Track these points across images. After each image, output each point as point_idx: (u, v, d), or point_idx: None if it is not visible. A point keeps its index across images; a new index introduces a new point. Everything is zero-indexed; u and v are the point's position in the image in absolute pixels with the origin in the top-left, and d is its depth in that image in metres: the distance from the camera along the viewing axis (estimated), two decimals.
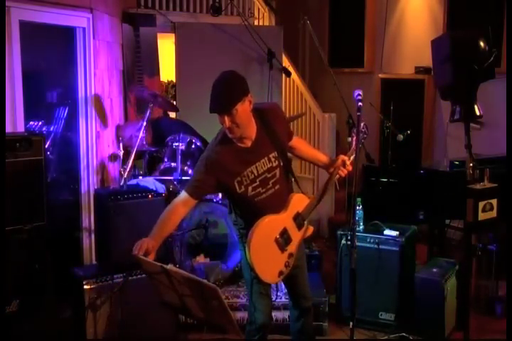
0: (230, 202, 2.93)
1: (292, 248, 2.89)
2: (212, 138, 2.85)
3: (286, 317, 3.99)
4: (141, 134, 4.18)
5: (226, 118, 2.61)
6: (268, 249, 2.79)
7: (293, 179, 3.04)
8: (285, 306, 4.06)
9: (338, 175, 3.00)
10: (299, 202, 2.95)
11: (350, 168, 2.99)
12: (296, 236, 2.91)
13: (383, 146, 6.35)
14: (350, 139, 3.02)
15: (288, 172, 2.94)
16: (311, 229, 3.00)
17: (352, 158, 2.99)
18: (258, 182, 2.79)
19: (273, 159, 2.84)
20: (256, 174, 2.79)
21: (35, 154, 3.22)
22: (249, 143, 2.78)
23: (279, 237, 2.82)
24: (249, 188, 2.77)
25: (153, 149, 4.66)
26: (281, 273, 2.85)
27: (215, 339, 3.43)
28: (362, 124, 2.99)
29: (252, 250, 2.72)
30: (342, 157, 3.00)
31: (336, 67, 6.55)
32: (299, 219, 2.90)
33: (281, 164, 2.86)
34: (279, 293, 4.22)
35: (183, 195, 2.79)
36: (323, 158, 3.14)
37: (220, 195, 4.41)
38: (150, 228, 3.42)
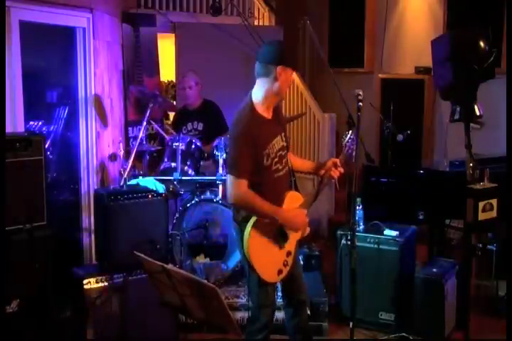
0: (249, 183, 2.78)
1: (290, 246, 2.91)
2: (236, 115, 2.86)
3: None
4: (141, 134, 4.18)
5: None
6: (266, 245, 2.80)
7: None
8: None
9: (330, 177, 3.01)
10: (293, 199, 2.96)
11: (341, 169, 3.01)
12: (293, 234, 2.92)
13: (383, 146, 6.36)
14: (343, 141, 3.03)
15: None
16: (307, 229, 2.99)
17: (341, 157, 3.03)
18: (278, 158, 2.85)
19: (284, 138, 2.92)
20: (276, 148, 2.85)
21: (35, 154, 3.22)
22: (270, 116, 2.86)
23: (277, 234, 2.83)
24: (273, 162, 2.82)
25: (153, 149, 4.66)
26: (280, 271, 2.87)
27: (215, 339, 3.43)
28: (351, 133, 3.05)
29: (251, 246, 2.74)
30: (332, 159, 3.04)
31: (335, 67, 6.55)
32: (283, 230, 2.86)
33: (288, 147, 2.96)
34: (278, 293, 4.22)
35: (243, 182, 2.71)
36: (310, 163, 3.21)
37: (220, 194, 4.41)
38: (150, 228, 3.44)
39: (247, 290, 3.10)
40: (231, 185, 2.74)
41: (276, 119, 2.91)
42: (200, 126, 5.00)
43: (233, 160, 2.78)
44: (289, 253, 2.90)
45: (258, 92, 2.85)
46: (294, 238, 2.93)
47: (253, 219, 2.76)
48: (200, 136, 4.89)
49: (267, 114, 2.85)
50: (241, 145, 2.74)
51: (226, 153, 4.47)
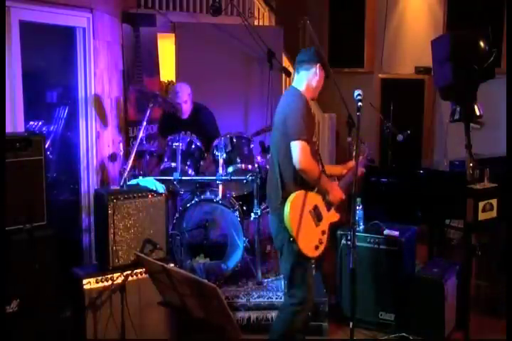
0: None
1: (324, 226, 3.20)
2: (289, 97, 3.26)
3: None
4: (140, 134, 4.18)
5: None
6: (304, 220, 3.08)
7: None
8: None
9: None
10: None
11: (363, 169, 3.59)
12: (326, 215, 3.23)
13: (383, 146, 6.36)
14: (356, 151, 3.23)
15: None
16: (337, 215, 3.28)
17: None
18: (316, 147, 3.27)
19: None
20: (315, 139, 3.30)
21: (35, 154, 3.22)
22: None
23: (312, 210, 3.14)
24: (316, 144, 3.25)
25: (153, 149, 4.65)
26: (316, 247, 3.13)
27: (215, 339, 3.43)
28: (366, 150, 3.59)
29: (292, 219, 3.02)
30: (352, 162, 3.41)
31: (335, 67, 6.53)
32: (327, 201, 3.21)
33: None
34: (278, 293, 4.23)
35: (308, 147, 3.04)
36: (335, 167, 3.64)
37: (220, 194, 4.41)
38: (150, 228, 3.45)
39: (284, 269, 3.29)
40: (300, 151, 3.01)
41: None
42: (195, 137, 4.92)
43: (299, 128, 3.06)
44: (323, 232, 3.18)
45: (300, 85, 3.28)
46: (327, 219, 3.23)
47: (291, 196, 3.07)
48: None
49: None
50: (305, 115, 3.10)
51: (226, 153, 4.47)
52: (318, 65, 3.25)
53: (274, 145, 3.27)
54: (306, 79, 3.27)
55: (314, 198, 3.17)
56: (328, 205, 3.25)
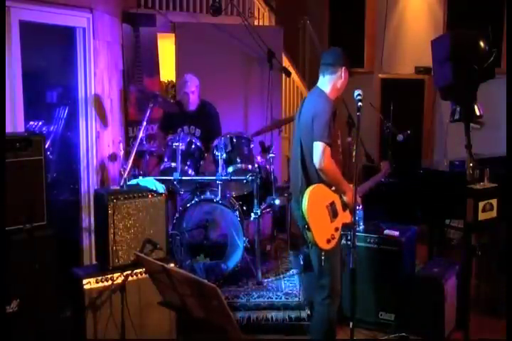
0: None
1: (338, 223, 3.28)
2: (315, 99, 3.37)
3: (286, 317, 4.00)
4: (140, 134, 4.18)
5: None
6: (321, 210, 3.21)
7: None
8: (285, 306, 4.07)
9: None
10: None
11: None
12: (342, 214, 3.31)
13: (383, 146, 6.36)
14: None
15: None
16: (350, 217, 3.31)
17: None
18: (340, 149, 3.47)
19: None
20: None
21: (35, 154, 3.22)
22: None
23: (329, 205, 3.25)
24: (339, 145, 3.43)
25: (153, 149, 4.65)
26: (328, 241, 3.21)
27: (215, 339, 3.43)
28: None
29: (309, 208, 3.13)
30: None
31: None
32: (343, 201, 3.31)
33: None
34: (278, 293, 4.23)
35: (329, 149, 3.16)
36: None
37: (220, 194, 4.41)
38: (150, 228, 3.45)
39: (313, 260, 3.41)
40: (322, 152, 3.15)
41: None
42: (198, 132, 4.93)
43: (324, 130, 3.19)
44: (337, 229, 3.26)
45: (325, 87, 3.40)
46: (341, 217, 3.32)
47: (312, 186, 3.20)
48: None
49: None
50: (329, 118, 3.21)
51: (226, 153, 4.47)
52: (343, 69, 3.37)
53: (303, 138, 3.35)
54: (331, 81, 3.39)
55: (332, 195, 3.30)
56: (344, 205, 3.34)
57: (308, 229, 3.16)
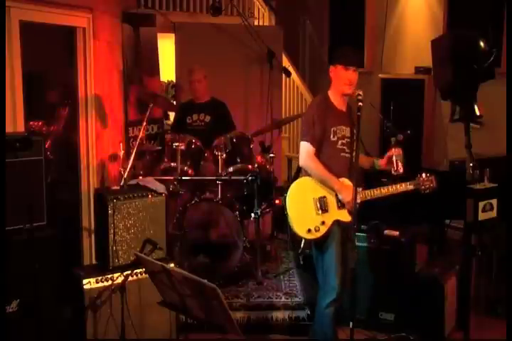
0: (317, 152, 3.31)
1: (327, 218, 3.26)
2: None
3: (286, 317, 4.00)
4: (140, 134, 4.18)
5: (355, 73, 3.29)
6: (304, 200, 3.26)
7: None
8: (285, 306, 4.07)
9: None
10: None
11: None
12: (334, 211, 3.28)
13: (383, 146, 6.35)
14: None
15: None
16: (348, 217, 3.29)
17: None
18: (345, 141, 3.35)
19: (350, 131, 3.38)
20: (346, 134, 3.36)
21: (35, 154, 3.22)
22: (344, 109, 3.40)
23: (317, 198, 3.26)
24: (339, 142, 3.33)
25: (153, 149, 4.66)
26: (309, 230, 3.22)
27: (215, 339, 3.43)
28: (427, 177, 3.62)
29: (292, 192, 3.26)
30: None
31: None
32: (339, 199, 3.28)
33: (354, 140, 3.36)
34: (278, 293, 4.23)
35: (310, 148, 3.25)
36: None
37: (220, 194, 4.41)
38: (150, 228, 3.44)
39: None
40: (302, 150, 3.29)
41: (348, 114, 3.43)
42: (208, 119, 4.94)
43: (306, 129, 3.31)
44: (323, 223, 3.25)
45: (331, 88, 3.44)
46: (334, 214, 3.29)
47: (302, 178, 3.33)
48: (205, 129, 4.86)
49: (340, 106, 3.38)
50: (314, 119, 3.27)
51: (226, 153, 4.47)
52: (330, 68, 3.41)
53: None
54: (331, 80, 3.44)
55: (325, 190, 3.29)
56: (341, 204, 3.30)
57: (287, 213, 3.25)
